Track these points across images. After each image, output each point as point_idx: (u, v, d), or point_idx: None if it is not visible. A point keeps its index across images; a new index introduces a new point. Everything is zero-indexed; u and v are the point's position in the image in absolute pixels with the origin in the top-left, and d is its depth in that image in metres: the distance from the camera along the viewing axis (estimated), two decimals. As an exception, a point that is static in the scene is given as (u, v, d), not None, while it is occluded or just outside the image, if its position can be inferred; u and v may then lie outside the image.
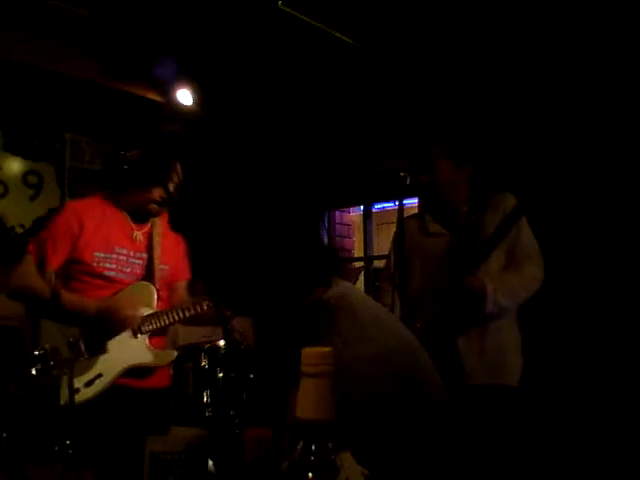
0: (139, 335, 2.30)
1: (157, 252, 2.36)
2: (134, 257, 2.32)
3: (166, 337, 2.52)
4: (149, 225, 2.38)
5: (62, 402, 1.01)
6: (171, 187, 2.28)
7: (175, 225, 1.24)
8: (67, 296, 2.19)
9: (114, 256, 2.27)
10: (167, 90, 4.08)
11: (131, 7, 3.29)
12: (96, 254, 2.23)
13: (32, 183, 3.96)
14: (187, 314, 2.32)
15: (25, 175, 3.94)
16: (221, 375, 3.15)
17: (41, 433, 1.02)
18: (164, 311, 2.33)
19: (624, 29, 3.01)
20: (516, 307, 2.34)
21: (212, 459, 1.15)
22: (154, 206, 2.31)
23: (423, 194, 2.51)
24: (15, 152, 3.90)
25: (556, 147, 3.28)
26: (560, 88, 3.29)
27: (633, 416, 2.86)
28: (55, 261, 2.23)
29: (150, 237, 2.37)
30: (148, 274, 2.35)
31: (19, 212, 3.83)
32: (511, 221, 2.24)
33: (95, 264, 2.23)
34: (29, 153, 3.95)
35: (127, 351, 2.27)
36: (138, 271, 2.33)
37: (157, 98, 4.17)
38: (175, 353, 2.42)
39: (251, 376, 3.18)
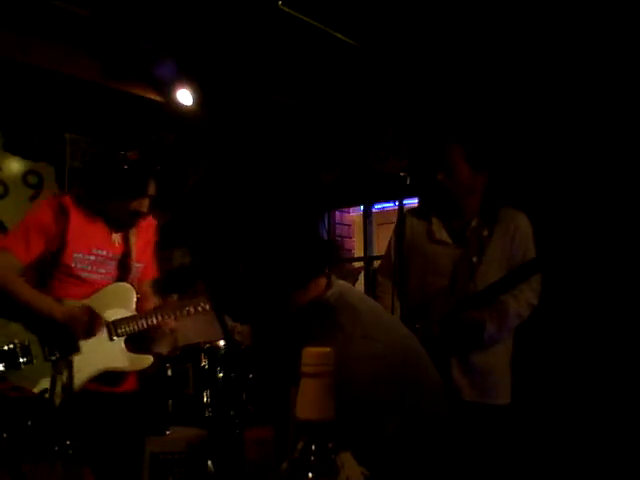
0: (115, 337, 2.23)
1: (133, 251, 2.33)
2: (111, 259, 2.28)
3: (161, 338, 2.47)
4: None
5: (57, 402, 1.01)
6: (146, 203, 2.26)
7: (175, 237, 1.26)
8: (36, 296, 2.12)
9: (92, 257, 2.22)
10: (167, 90, 4.08)
11: (131, 7, 3.29)
12: (75, 255, 2.18)
13: (32, 183, 3.97)
14: (167, 319, 2.28)
15: (25, 175, 3.95)
16: (221, 375, 3.15)
17: (41, 433, 1.02)
18: (142, 315, 2.27)
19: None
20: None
21: (212, 459, 1.15)
22: (129, 218, 2.27)
23: (436, 193, 2.43)
24: (15, 152, 3.90)
25: (570, 160, 3.26)
26: (575, 100, 3.26)
27: (624, 433, 2.85)
28: (27, 257, 2.15)
29: (126, 237, 2.34)
30: (123, 273, 2.30)
31: (19, 212, 3.83)
32: (527, 273, 2.21)
33: (73, 265, 2.17)
34: (29, 153, 3.95)
35: (102, 353, 2.18)
36: (113, 271, 2.28)
37: (157, 98, 4.17)
38: (151, 358, 2.33)
39: (251, 376, 3.18)
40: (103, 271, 2.25)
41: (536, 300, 2.32)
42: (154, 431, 1.17)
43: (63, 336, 2.12)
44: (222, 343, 3.16)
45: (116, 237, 2.32)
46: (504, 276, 2.23)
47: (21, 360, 2.06)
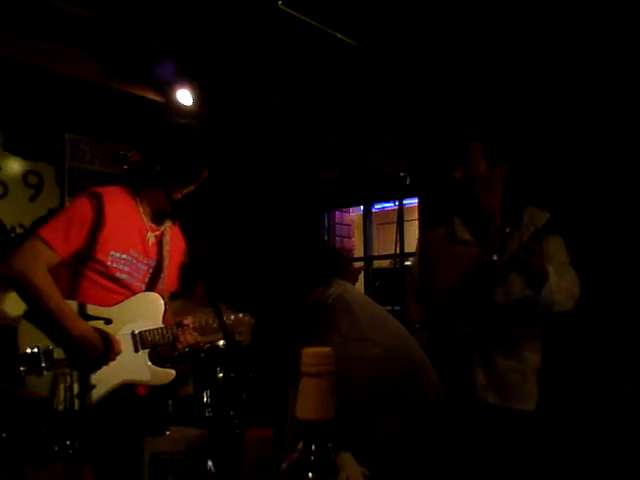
0: (140, 350, 2.17)
1: (166, 262, 2.26)
2: (142, 262, 2.21)
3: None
4: (162, 229, 2.28)
5: (60, 404, 1.00)
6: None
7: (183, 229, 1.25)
8: (59, 301, 2.01)
9: (128, 258, 2.15)
10: (167, 90, 4.08)
11: (131, 7, 3.29)
12: (111, 253, 2.10)
13: (32, 183, 3.96)
14: (193, 333, 2.24)
15: (25, 175, 3.94)
16: (221, 375, 3.16)
17: (41, 433, 1.02)
18: (169, 327, 2.22)
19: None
20: (565, 308, 2.19)
21: (212, 459, 1.14)
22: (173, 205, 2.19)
23: (454, 192, 2.38)
24: (15, 152, 3.90)
25: (593, 156, 3.21)
26: (599, 96, 3.23)
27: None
28: (65, 251, 2.05)
29: (160, 243, 2.26)
30: (154, 282, 2.24)
31: (19, 212, 3.83)
32: (536, 238, 2.13)
33: (109, 263, 2.09)
34: (29, 153, 3.95)
35: (125, 365, 2.12)
36: (143, 277, 2.22)
37: (157, 98, 4.18)
38: (174, 373, 2.28)
39: (251, 376, 3.18)
40: (136, 275, 2.19)
41: (577, 289, 2.21)
42: (154, 431, 1.17)
43: (77, 351, 2.03)
44: (222, 343, 3.17)
45: (151, 236, 2.24)
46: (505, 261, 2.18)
47: (43, 365, 1.98)
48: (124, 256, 2.13)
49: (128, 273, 2.15)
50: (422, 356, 1.30)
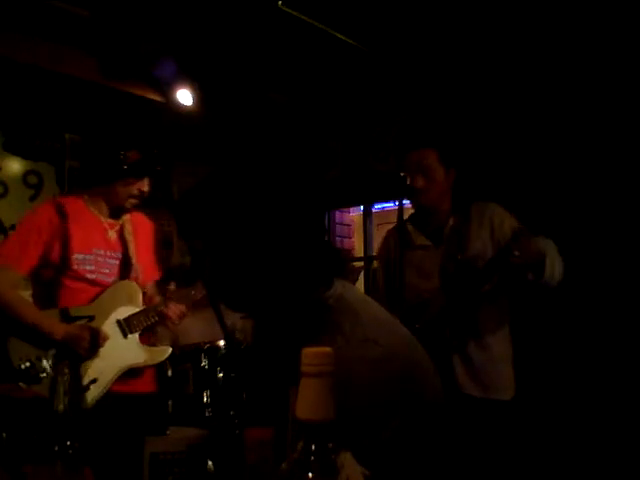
0: (129, 335, 2.23)
1: (132, 250, 2.32)
2: (110, 257, 2.27)
3: (162, 337, 2.48)
4: (120, 223, 2.35)
5: (60, 405, 1.00)
6: (147, 185, 2.27)
7: (183, 229, 1.25)
8: (37, 315, 2.10)
9: (92, 257, 2.21)
10: (167, 90, 4.08)
11: (131, 7, 3.29)
12: (75, 256, 2.17)
13: (32, 183, 3.96)
14: (176, 307, 2.30)
15: (25, 175, 3.94)
16: (221, 375, 3.15)
17: (41, 433, 1.02)
18: (152, 307, 2.28)
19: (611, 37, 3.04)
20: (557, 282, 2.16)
21: (212, 459, 1.14)
22: (132, 201, 2.27)
23: (414, 200, 2.42)
24: (15, 152, 3.90)
25: (532, 152, 3.32)
26: (542, 94, 3.33)
27: (628, 427, 2.85)
28: (26, 265, 2.13)
29: (122, 236, 2.33)
30: (125, 271, 2.30)
31: (19, 212, 3.83)
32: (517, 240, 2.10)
33: (76, 266, 2.16)
34: (29, 153, 3.95)
35: (120, 352, 2.18)
36: (116, 271, 2.28)
37: (157, 98, 4.17)
38: (170, 349, 2.35)
39: (251, 376, 3.18)
40: (107, 271, 2.24)
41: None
42: (154, 431, 1.17)
43: (68, 353, 2.09)
44: (222, 343, 3.17)
45: (112, 233, 2.31)
46: (492, 258, 2.19)
47: (42, 375, 2.05)
48: (88, 256, 2.20)
49: (99, 272, 2.21)
50: (424, 357, 1.30)
